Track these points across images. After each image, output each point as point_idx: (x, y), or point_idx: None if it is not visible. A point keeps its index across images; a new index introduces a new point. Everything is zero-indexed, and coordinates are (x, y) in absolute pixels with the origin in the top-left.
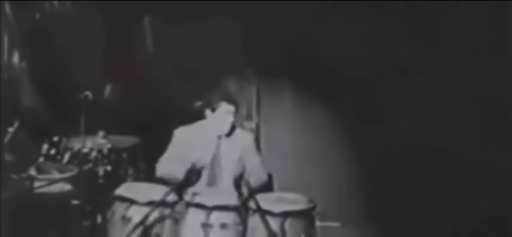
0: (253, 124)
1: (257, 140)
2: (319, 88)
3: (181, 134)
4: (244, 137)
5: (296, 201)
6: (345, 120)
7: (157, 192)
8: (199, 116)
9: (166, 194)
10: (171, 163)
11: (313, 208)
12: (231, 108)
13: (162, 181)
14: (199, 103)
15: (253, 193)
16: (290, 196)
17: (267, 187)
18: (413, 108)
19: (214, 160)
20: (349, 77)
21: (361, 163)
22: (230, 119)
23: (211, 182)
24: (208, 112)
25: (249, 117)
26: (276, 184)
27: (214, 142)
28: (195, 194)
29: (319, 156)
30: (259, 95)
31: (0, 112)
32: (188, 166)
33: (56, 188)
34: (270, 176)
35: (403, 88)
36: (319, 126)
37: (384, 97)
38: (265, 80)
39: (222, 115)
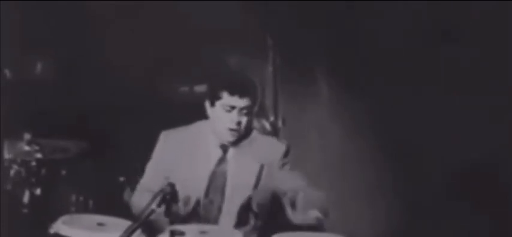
0: (266, 123)
1: (287, 153)
2: (375, 69)
3: (171, 142)
4: (267, 148)
5: None
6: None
7: (115, 230)
8: (187, 108)
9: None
10: (146, 194)
11: None
12: (241, 101)
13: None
14: (185, 88)
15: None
16: None
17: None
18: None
19: (214, 184)
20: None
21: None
22: (239, 119)
23: (208, 217)
24: (206, 105)
25: (260, 112)
26: None
27: (215, 155)
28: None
29: (370, 176)
30: (277, 78)
31: (0, 112)
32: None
33: None
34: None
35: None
36: (374, 129)
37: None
38: (287, 54)
39: (225, 113)
